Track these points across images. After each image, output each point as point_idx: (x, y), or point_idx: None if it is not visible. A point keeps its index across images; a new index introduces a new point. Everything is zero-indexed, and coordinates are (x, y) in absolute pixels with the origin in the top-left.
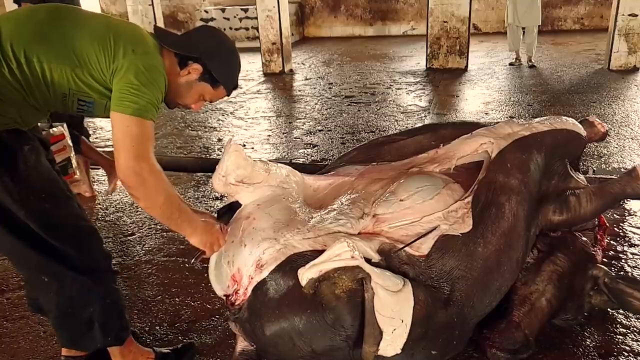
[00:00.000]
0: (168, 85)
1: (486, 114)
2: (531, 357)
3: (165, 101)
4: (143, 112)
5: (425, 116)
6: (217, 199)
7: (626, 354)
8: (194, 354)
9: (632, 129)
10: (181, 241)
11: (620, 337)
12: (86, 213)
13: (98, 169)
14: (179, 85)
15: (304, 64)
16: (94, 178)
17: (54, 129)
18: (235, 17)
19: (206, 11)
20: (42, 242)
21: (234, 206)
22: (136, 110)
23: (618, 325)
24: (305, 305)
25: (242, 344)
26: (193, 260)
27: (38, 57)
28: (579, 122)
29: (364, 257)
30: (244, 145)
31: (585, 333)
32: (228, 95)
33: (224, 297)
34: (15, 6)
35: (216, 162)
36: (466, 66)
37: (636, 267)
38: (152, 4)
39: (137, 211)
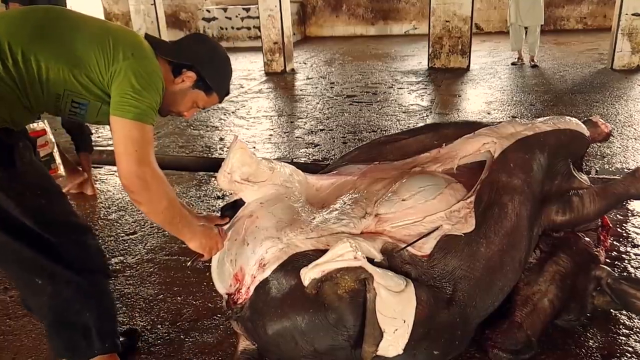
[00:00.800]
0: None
1: (488, 113)
2: (533, 357)
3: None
4: (143, 116)
5: (427, 116)
6: (218, 198)
7: (629, 355)
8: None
9: (635, 129)
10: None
11: (623, 338)
12: (88, 212)
13: (100, 167)
14: (173, 92)
15: (305, 64)
16: (95, 177)
17: (35, 124)
18: (237, 16)
19: (208, 10)
20: (37, 240)
21: (238, 204)
22: (137, 114)
23: (621, 326)
24: (308, 305)
25: (244, 343)
26: (190, 263)
27: (36, 56)
28: (582, 122)
29: (367, 257)
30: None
31: (588, 334)
32: (220, 102)
33: (226, 296)
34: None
35: (218, 161)
36: (468, 66)
37: (639, 268)
38: (155, 4)
39: (138, 210)
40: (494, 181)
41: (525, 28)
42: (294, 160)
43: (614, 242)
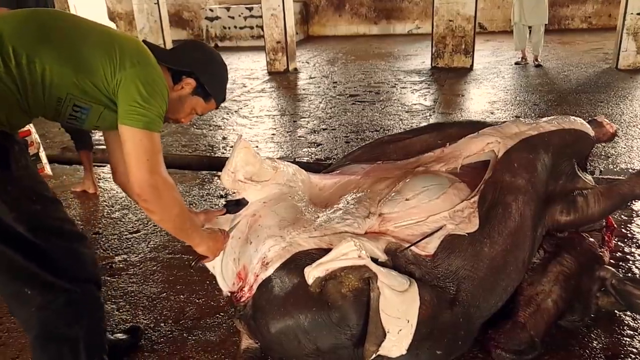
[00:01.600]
0: None
1: (492, 113)
2: (537, 358)
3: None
4: (152, 124)
5: (430, 115)
6: (221, 196)
7: (633, 355)
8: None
9: None
10: None
11: (628, 339)
12: (92, 210)
13: (104, 166)
14: (173, 99)
15: (308, 63)
16: (98, 175)
17: None
18: (240, 15)
19: (211, 10)
20: (30, 247)
21: (241, 202)
22: (147, 123)
23: (625, 327)
24: (311, 303)
25: (246, 342)
26: (193, 263)
27: (40, 59)
28: (587, 121)
29: (371, 257)
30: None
31: (592, 335)
32: (217, 107)
33: (229, 294)
34: None
35: (221, 160)
36: (472, 65)
37: None
38: (158, 3)
39: (142, 209)
40: (497, 181)
41: (529, 27)
42: (297, 160)
43: (619, 243)
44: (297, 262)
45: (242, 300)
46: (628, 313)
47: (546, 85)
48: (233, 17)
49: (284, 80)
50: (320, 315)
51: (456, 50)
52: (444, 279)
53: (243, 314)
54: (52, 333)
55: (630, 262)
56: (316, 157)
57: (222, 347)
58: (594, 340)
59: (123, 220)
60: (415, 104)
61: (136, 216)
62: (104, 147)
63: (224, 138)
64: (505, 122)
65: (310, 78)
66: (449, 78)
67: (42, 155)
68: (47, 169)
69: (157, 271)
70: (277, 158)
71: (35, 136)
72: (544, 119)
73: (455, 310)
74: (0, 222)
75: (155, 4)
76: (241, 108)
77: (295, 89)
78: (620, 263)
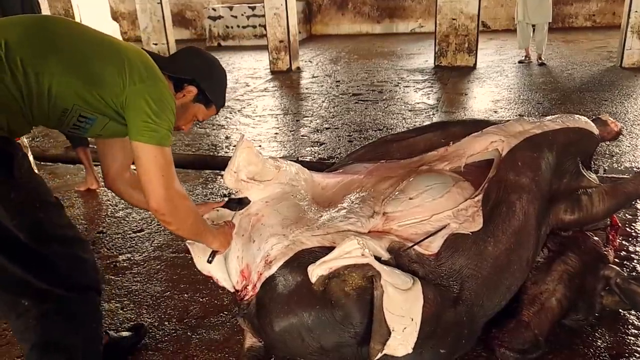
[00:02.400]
0: None
1: (495, 112)
2: (541, 357)
3: None
4: (164, 140)
5: (433, 114)
6: (224, 196)
7: (638, 355)
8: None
9: None
10: None
11: (632, 338)
12: (95, 209)
13: None
14: (176, 108)
15: (311, 62)
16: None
17: None
18: (242, 14)
19: (214, 9)
20: (30, 256)
21: (244, 201)
22: (159, 139)
23: (630, 327)
24: (314, 302)
25: (250, 340)
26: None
27: (50, 70)
28: (591, 120)
29: (374, 255)
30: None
31: (596, 334)
32: (216, 113)
33: (234, 291)
34: None
35: (224, 159)
36: (475, 64)
37: None
38: (161, 2)
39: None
40: (501, 180)
41: (533, 26)
42: (300, 159)
43: (623, 242)
44: (300, 261)
45: (245, 299)
46: (632, 312)
47: (550, 84)
48: (236, 17)
49: (286, 79)
50: (323, 314)
51: (459, 48)
52: (447, 278)
53: (247, 313)
54: (50, 343)
55: (635, 261)
56: (319, 156)
57: (226, 346)
58: (598, 339)
59: (127, 219)
60: (418, 103)
61: (140, 215)
62: None
63: (226, 137)
64: (509, 120)
65: (313, 77)
66: (452, 77)
67: (30, 158)
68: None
69: (161, 270)
70: (280, 157)
71: (23, 139)
72: (548, 118)
73: (458, 309)
74: (1, 231)
75: (158, 3)
76: (244, 107)
77: (298, 88)
78: (625, 262)
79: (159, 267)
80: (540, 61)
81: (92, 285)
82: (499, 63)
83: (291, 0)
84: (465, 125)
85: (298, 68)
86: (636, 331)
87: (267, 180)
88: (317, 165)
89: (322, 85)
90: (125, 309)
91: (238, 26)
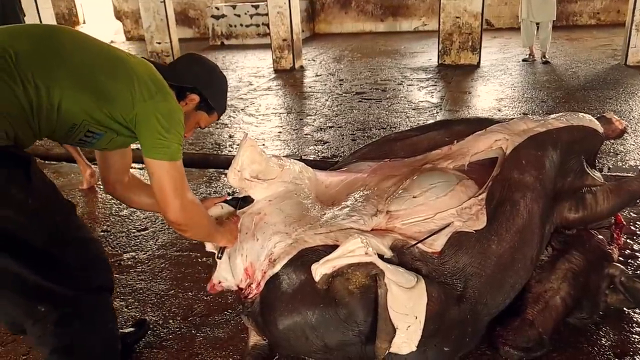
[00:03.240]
0: None
1: (499, 110)
2: (545, 355)
3: None
4: (176, 154)
5: (437, 113)
6: (228, 194)
7: None
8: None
9: None
10: None
11: (637, 336)
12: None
13: None
14: None
15: (314, 61)
16: None
17: None
18: (246, 13)
19: (217, 8)
20: (45, 261)
21: (247, 199)
22: (171, 154)
23: (634, 325)
24: (318, 300)
25: (254, 338)
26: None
27: (60, 85)
28: (596, 118)
29: (377, 253)
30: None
31: (601, 332)
32: (218, 119)
33: (238, 289)
34: None
35: (227, 158)
36: (479, 62)
37: None
38: (164, 1)
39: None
40: (505, 178)
41: (537, 24)
42: (303, 158)
43: (628, 240)
44: (303, 259)
45: (249, 297)
46: (637, 310)
47: (554, 82)
48: (239, 15)
49: (290, 78)
50: (327, 312)
51: (463, 47)
52: (451, 276)
53: (251, 311)
54: (70, 347)
55: None
56: (322, 154)
57: (230, 344)
58: (602, 338)
59: (131, 217)
60: (422, 102)
61: (144, 214)
62: None
63: (230, 136)
64: (513, 119)
65: (317, 76)
66: (455, 75)
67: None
68: None
69: (165, 268)
70: (284, 156)
71: None
72: (553, 116)
73: (462, 307)
74: (17, 238)
75: (161, 2)
76: (247, 106)
77: (301, 86)
78: (629, 260)
79: (163, 265)
80: (544, 59)
81: (105, 285)
82: (502, 61)
83: None
84: (469, 124)
85: (301, 67)
86: None
87: (270, 178)
88: (321, 164)
89: (325, 84)
90: (129, 307)
91: (241, 25)
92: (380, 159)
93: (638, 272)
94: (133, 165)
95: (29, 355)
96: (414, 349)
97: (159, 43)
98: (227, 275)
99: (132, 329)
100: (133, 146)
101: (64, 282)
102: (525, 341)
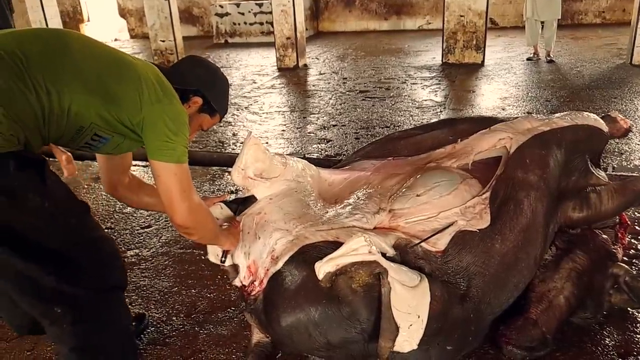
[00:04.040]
0: None
1: (503, 109)
2: (549, 355)
3: None
4: (183, 156)
5: (440, 111)
6: (232, 192)
7: None
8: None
9: None
10: None
11: None
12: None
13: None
14: None
15: (318, 59)
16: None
17: None
18: (249, 11)
19: (221, 6)
20: (61, 263)
21: (249, 199)
22: (178, 157)
23: (638, 325)
24: (321, 297)
25: (257, 335)
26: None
27: (70, 89)
28: (600, 117)
29: (380, 252)
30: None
31: (605, 332)
32: (220, 121)
33: (241, 287)
34: None
35: (231, 156)
36: (483, 61)
37: None
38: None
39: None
40: (509, 177)
41: (542, 22)
42: (307, 156)
43: (632, 240)
44: (305, 256)
45: (252, 294)
46: None
47: (559, 81)
48: (243, 13)
49: (293, 76)
50: (330, 309)
51: (467, 46)
52: (454, 275)
53: (254, 308)
54: (88, 344)
55: None
56: (326, 153)
57: (233, 341)
58: (606, 338)
59: (135, 215)
60: (425, 100)
61: (147, 211)
62: None
63: (234, 134)
64: (517, 118)
65: (320, 74)
66: (459, 74)
67: None
68: None
69: (168, 266)
70: (287, 154)
71: None
72: (557, 115)
73: (465, 306)
74: (33, 241)
75: (165, 0)
76: (251, 104)
77: (305, 85)
78: (634, 260)
79: (166, 262)
80: (549, 58)
81: (118, 283)
82: (507, 60)
83: None
84: (473, 123)
85: (305, 65)
86: None
87: (273, 177)
88: (324, 162)
89: (329, 82)
90: (133, 304)
91: (245, 23)
92: (383, 157)
93: None
94: (137, 163)
95: (33, 351)
96: (415, 346)
97: (163, 41)
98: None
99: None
100: None
101: (79, 283)
102: (529, 340)
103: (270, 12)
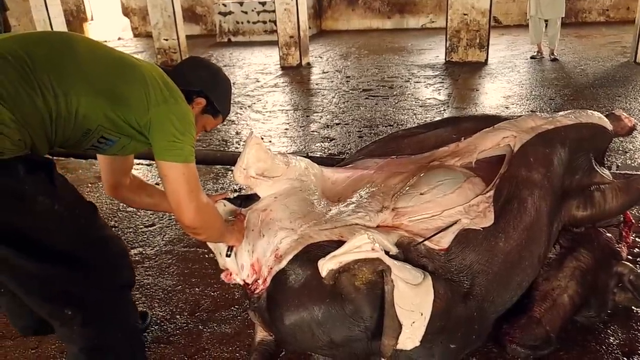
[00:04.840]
0: None
1: (507, 107)
2: (552, 353)
3: None
4: (190, 156)
5: (444, 110)
6: (235, 191)
7: None
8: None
9: None
10: None
11: None
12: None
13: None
14: None
15: (321, 57)
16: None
17: None
18: (253, 10)
19: (224, 4)
20: (71, 264)
21: (252, 197)
22: (185, 157)
23: None
24: (324, 296)
25: (261, 334)
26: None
27: (77, 92)
28: (605, 115)
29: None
30: (262, 139)
31: (609, 331)
32: (222, 122)
33: (245, 285)
34: None
35: (234, 155)
36: (486, 59)
37: None
38: None
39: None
40: (513, 175)
41: (546, 21)
42: (310, 155)
43: (636, 239)
44: (309, 255)
45: (256, 293)
46: None
47: (562, 80)
48: (246, 12)
49: (297, 75)
50: (334, 308)
51: (471, 44)
52: (458, 273)
53: (257, 307)
54: (98, 344)
55: None
56: (329, 152)
57: (237, 339)
58: (610, 337)
59: (138, 213)
60: (429, 99)
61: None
62: None
63: (237, 133)
64: (521, 116)
65: (323, 73)
66: (463, 72)
67: None
68: None
69: (172, 264)
70: (290, 153)
71: None
72: (561, 113)
73: (469, 305)
74: (42, 244)
75: None
76: (254, 103)
77: (308, 83)
78: (638, 259)
79: (170, 261)
80: (552, 57)
81: (127, 282)
82: (510, 59)
83: None
84: (477, 121)
85: (308, 64)
86: None
87: (276, 176)
88: (327, 161)
89: (332, 81)
90: (137, 303)
91: (248, 22)
92: (387, 156)
93: None
94: (140, 161)
95: (38, 349)
96: (418, 343)
97: (167, 40)
98: (237, 270)
99: None
100: None
101: (89, 283)
102: (533, 339)
103: (274, 11)
